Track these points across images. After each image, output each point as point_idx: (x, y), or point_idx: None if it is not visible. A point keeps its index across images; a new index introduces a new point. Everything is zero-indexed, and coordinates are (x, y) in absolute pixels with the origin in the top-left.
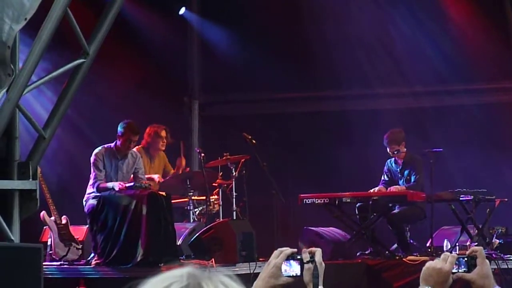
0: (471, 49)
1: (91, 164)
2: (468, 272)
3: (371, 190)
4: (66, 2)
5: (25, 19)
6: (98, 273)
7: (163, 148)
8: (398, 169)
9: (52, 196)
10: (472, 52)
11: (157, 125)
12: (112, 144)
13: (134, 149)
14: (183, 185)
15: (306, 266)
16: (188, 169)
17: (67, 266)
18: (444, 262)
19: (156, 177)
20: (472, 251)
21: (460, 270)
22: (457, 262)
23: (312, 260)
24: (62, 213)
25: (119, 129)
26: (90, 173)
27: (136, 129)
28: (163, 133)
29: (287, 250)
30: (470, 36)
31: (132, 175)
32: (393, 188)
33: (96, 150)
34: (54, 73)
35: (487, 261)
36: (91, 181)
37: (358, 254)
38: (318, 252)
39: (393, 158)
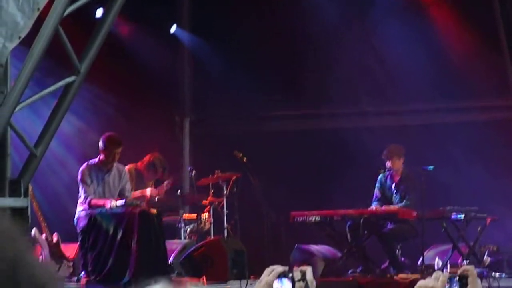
0: (463, 67)
1: (79, 182)
2: None
3: (370, 208)
4: (57, 20)
5: (19, 37)
6: None
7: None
8: (393, 185)
9: (43, 213)
10: (464, 70)
11: (158, 157)
12: (96, 159)
13: (126, 167)
14: (175, 200)
15: (297, 284)
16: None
17: None
18: (436, 281)
19: (148, 190)
20: (463, 270)
21: None
22: (448, 281)
23: (303, 278)
24: (53, 230)
25: (101, 143)
26: (79, 191)
27: (118, 141)
28: (159, 170)
29: (279, 268)
30: (462, 54)
31: (118, 193)
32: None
33: (82, 167)
34: (45, 91)
35: (479, 280)
36: (81, 199)
37: (349, 272)
38: (309, 270)
39: (388, 174)
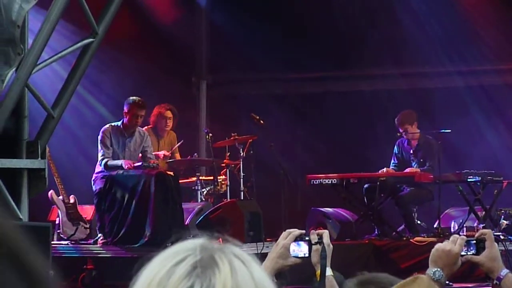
0: (479, 30)
1: (99, 142)
2: (476, 255)
3: (380, 171)
4: None
5: None
6: (106, 252)
7: (168, 128)
8: (411, 150)
9: (60, 175)
10: (481, 32)
11: (163, 105)
12: (119, 123)
13: (143, 129)
14: (191, 166)
15: (314, 247)
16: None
17: (75, 245)
18: (453, 244)
19: (161, 153)
20: (481, 233)
21: (469, 253)
22: (466, 244)
23: (320, 241)
24: (70, 192)
25: (125, 106)
26: (98, 152)
27: (142, 104)
28: (167, 114)
29: (296, 231)
30: (478, 17)
31: (140, 154)
32: (407, 170)
33: (104, 128)
34: (63, 53)
35: (496, 244)
36: (99, 160)
37: (365, 235)
38: (325, 233)
39: (406, 140)
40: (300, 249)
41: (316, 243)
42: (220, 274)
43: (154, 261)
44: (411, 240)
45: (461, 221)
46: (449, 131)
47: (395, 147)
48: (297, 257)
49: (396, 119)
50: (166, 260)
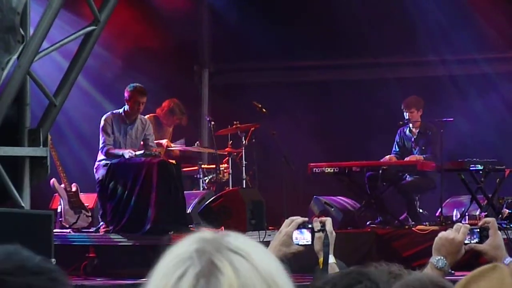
0: (481, 18)
1: (100, 130)
2: (480, 243)
3: (383, 159)
4: None
5: None
6: (108, 240)
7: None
8: (413, 138)
9: (62, 163)
10: (484, 21)
11: (178, 105)
12: (121, 110)
13: (145, 117)
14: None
15: (317, 235)
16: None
17: (77, 233)
18: (456, 232)
19: (164, 141)
20: (484, 222)
21: (472, 241)
22: (469, 233)
23: (323, 229)
24: (72, 180)
25: (126, 92)
26: (99, 140)
27: (143, 91)
28: (177, 119)
29: (299, 219)
30: (482, 6)
31: (142, 142)
32: (408, 158)
33: (105, 116)
34: (65, 40)
35: (499, 232)
36: (100, 148)
37: (367, 223)
38: (328, 221)
39: (408, 127)
40: (303, 237)
41: (319, 231)
42: (225, 279)
43: (157, 275)
44: (413, 228)
45: (463, 209)
46: (452, 119)
47: (397, 135)
48: (299, 244)
49: (403, 102)
50: (168, 274)
